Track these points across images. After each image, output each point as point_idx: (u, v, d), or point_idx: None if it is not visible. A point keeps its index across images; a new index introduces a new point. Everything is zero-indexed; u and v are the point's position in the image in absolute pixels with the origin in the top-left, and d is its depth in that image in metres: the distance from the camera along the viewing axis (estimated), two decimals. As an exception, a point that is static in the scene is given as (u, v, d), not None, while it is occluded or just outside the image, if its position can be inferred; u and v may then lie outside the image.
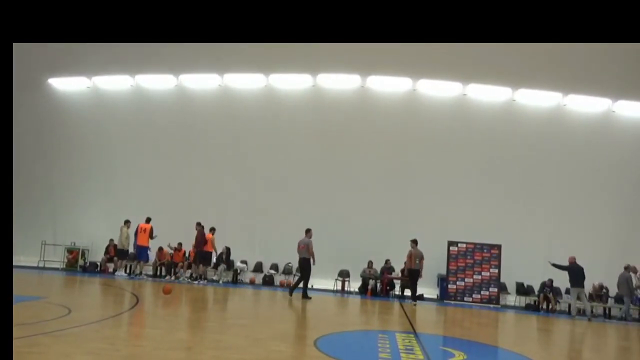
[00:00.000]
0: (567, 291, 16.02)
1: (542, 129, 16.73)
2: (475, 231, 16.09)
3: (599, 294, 15.75)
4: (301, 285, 13.07)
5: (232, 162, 17.80)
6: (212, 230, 15.94)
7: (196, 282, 15.54)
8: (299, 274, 13.98)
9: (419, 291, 15.77)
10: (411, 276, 14.11)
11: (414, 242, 13.89)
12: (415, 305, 13.55)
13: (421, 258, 13.83)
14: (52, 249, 18.32)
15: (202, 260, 15.72)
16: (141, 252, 16.05)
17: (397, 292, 15.98)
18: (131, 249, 16.43)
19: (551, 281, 15.27)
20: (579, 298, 14.04)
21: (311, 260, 13.11)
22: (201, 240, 15.59)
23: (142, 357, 5.14)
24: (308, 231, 13.29)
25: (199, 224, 15.62)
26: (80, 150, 18.75)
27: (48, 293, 11.09)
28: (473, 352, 7.22)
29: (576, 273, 13.89)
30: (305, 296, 12.73)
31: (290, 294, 13.11)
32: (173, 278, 16.08)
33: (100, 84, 18.70)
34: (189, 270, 16.26)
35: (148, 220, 16.03)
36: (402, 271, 15.88)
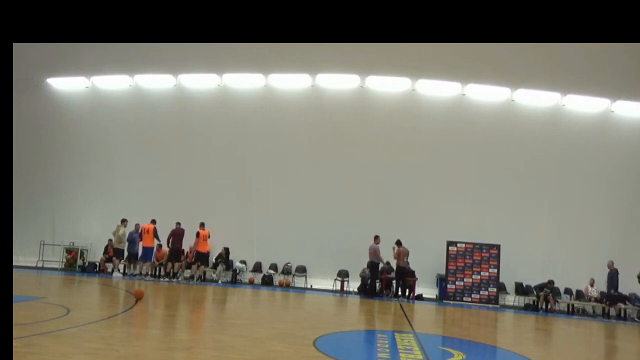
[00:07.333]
0: (566, 291, 16.04)
1: (540, 129, 16.72)
2: (474, 231, 16.07)
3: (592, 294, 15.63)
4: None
5: (231, 162, 17.76)
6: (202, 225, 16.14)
7: (161, 279, 15.90)
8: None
9: (418, 291, 15.83)
10: (402, 274, 15.28)
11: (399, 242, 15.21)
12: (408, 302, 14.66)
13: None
14: (51, 249, 18.25)
15: (174, 257, 15.92)
16: (147, 253, 16.22)
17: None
18: (126, 249, 16.45)
19: (552, 282, 15.23)
20: None
21: (379, 264, 15.12)
22: (176, 238, 15.82)
23: (141, 357, 5.13)
24: (376, 237, 14.95)
25: (177, 224, 15.97)
26: (78, 150, 18.70)
27: (47, 293, 11.08)
28: (472, 352, 7.23)
29: None
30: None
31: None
32: (174, 279, 16.02)
33: (99, 83, 18.65)
34: (188, 270, 16.25)
35: (153, 221, 16.20)
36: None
